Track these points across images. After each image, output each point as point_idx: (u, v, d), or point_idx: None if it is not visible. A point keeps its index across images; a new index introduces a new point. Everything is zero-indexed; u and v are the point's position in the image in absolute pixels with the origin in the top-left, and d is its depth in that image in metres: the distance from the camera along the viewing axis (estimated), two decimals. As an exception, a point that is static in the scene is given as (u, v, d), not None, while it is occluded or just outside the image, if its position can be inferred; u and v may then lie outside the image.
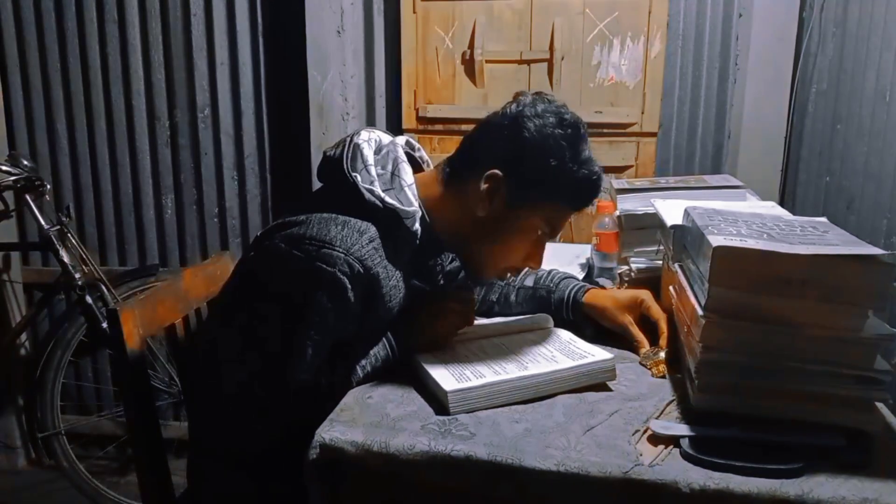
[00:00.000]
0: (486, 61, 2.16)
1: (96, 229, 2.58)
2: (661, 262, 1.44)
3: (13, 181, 2.14)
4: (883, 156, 1.65)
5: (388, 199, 1.07)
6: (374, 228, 1.05)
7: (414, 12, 2.17)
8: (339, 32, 2.27)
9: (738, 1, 2.13)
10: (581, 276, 1.58)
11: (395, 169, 1.11)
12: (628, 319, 1.20)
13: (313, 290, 1.01)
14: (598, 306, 1.24)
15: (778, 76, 2.11)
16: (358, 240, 1.02)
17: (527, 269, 1.21)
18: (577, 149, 1.06)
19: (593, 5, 2.09)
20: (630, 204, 1.58)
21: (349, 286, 1.01)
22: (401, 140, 1.17)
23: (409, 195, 1.08)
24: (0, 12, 2.44)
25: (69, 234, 2.24)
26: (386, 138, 1.17)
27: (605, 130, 2.16)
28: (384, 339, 1.10)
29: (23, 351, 2.56)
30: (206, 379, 1.14)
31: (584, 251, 1.78)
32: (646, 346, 1.15)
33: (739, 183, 1.66)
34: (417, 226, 1.09)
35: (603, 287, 1.36)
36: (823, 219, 1.05)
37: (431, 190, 1.13)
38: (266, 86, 2.41)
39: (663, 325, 1.16)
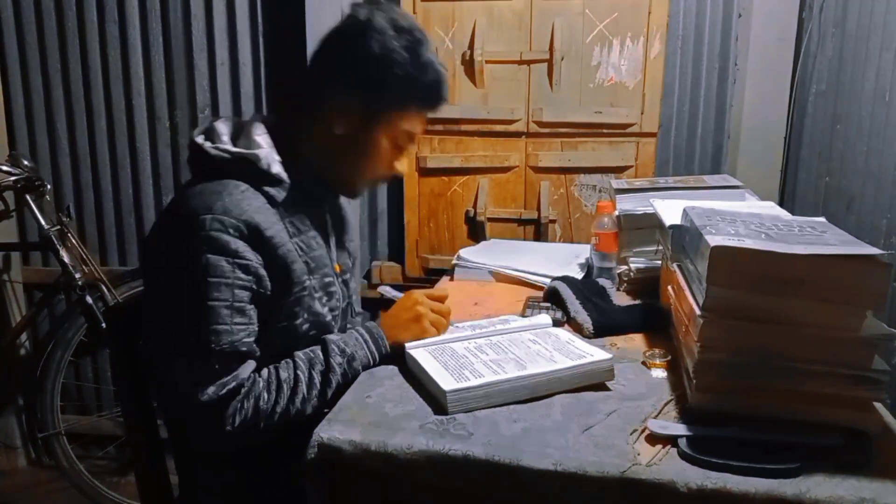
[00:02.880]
0: (486, 61, 2.16)
1: (96, 229, 2.58)
2: (659, 261, 1.45)
3: (13, 181, 2.15)
4: (883, 156, 1.65)
5: (233, 149, 1.11)
6: (230, 181, 1.08)
7: (414, 12, 2.17)
8: (339, 33, 2.27)
9: (738, 1, 2.13)
10: (581, 276, 1.58)
11: (248, 129, 1.15)
12: None
13: (198, 257, 1.02)
14: None
15: (778, 76, 2.11)
16: (218, 198, 1.05)
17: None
18: (418, 54, 1.11)
19: (593, 5, 2.09)
20: (629, 204, 1.58)
21: (227, 238, 1.03)
22: (258, 115, 1.23)
23: (259, 141, 1.12)
24: (0, 12, 2.44)
25: (69, 234, 2.25)
26: (244, 119, 1.22)
27: (605, 130, 2.16)
28: (366, 349, 1.13)
29: (23, 351, 2.56)
30: (162, 387, 1.13)
31: (583, 251, 1.78)
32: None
33: (738, 183, 1.66)
34: (278, 168, 1.12)
35: None
36: (822, 219, 1.05)
37: (289, 131, 1.18)
38: (266, 86, 2.41)
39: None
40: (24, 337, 2.54)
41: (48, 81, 2.48)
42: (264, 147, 1.12)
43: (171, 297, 1.06)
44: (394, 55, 1.10)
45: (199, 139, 1.14)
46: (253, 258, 1.06)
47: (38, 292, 2.58)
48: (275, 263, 1.09)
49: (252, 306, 1.07)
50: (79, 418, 2.58)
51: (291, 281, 1.11)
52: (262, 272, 1.07)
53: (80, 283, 2.19)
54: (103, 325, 2.20)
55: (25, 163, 2.19)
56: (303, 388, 1.06)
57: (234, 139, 1.16)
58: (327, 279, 1.20)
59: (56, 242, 2.19)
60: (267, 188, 1.12)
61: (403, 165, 1.23)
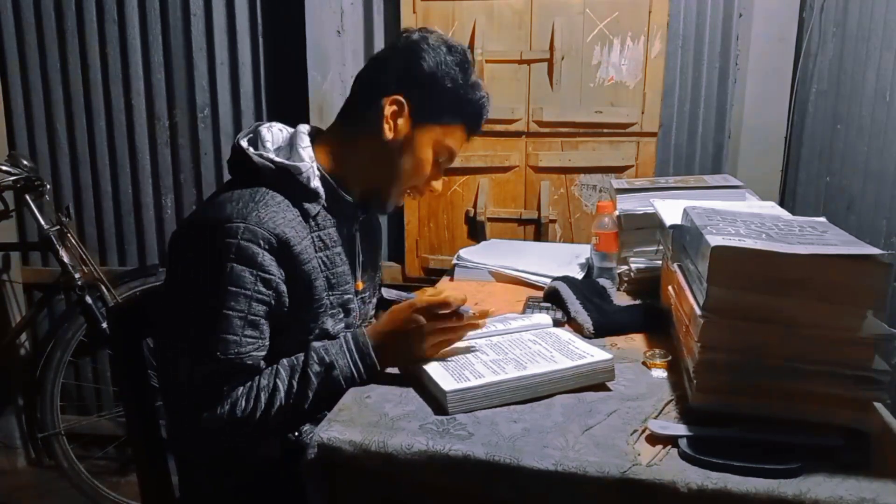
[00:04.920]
0: (486, 61, 2.16)
1: (96, 229, 2.58)
2: (660, 261, 1.44)
3: (13, 181, 2.15)
4: (883, 156, 1.65)
5: (276, 159, 1.12)
6: (268, 191, 1.08)
7: (414, 12, 2.17)
8: (339, 33, 2.27)
9: (738, 1, 2.13)
10: (581, 276, 1.58)
11: (293, 139, 1.16)
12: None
13: (223, 263, 1.02)
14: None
15: (778, 76, 2.11)
16: (254, 207, 1.05)
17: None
18: (467, 73, 1.17)
19: (593, 5, 2.09)
20: (630, 204, 1.58)
21: (256, 251, 1.03)
22: (304, 125, 1.22)
23: (303, 154, 1.13)
24: (0, 12, 2.44)
25: (69, 234, 2.24)
26: (288, 127, 1.23)
27: (605, 130, 2.16)
28: (348, 358, 1.06)
29: (23, 351, 2.56)
30: (162, 377, 1.13)
31: (583, 251, 1.78)
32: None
33: (739, 183, 1.66)
34: (316, 183, 1.13)
35: None
36: (822, 219, 1.05)
37: (333, 144, 1.20)
38: (266, 86, 2.41)
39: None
40: (23, 337, 2.54)
41: (47, 81, 2.48)
42: (306, 160, 1.13)
43: (190, 297, 1.06)
44: (445, 69, 1.15)
45: (244, 143, 1.14)
46: (276, 273, 1.05)
47: (37, 292, 2.59)
48: (298, 279, 1.08)
49: (266, 321, 1.06)
50: (79, 418, 2.58)
51: (311, 298, 1.11)
52: (283, 288, 1.07)
53: (79, 283, 2.19)
54: (103, 325, 2.20)
55: (25, 163, 2.19)
56: (280, 396, 1.03)
57: (278, 147, 1.16)
58: (346, 296, 1.19)
59: (55, 242, 2.19)
60: (303, 202, 1.12)
61: (440, 184, 1.26)
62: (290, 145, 1.15)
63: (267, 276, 1.04)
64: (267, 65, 2.39)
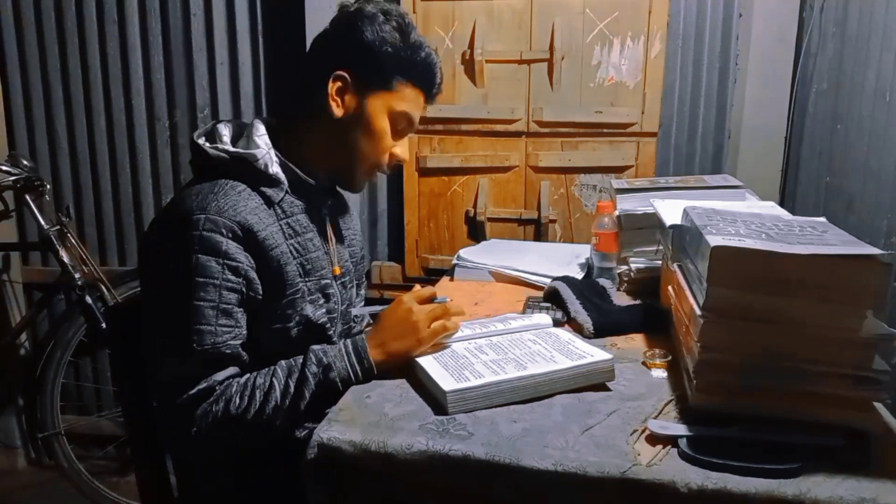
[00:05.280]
0: (486, 61, 2.16)
1: (96, 229, 2.58)
2: (660, 261, 1.44)
3: (13, 181, 2.15)
4: (883, 156, 1.65)
5: (231, 149, 1.12)
6: (227, 182, 1.09)
7: (414, 12, 2.17)
8: (338, 32, 2.27)
9: (738, 1, 2.13)
10: (581, 276, 1.58)
11: (249, 131, 1.17)
12: None
13: (189, 256, 1.02)
14: None
15: (778, 76, 2.11)
16: (213, 198, 1.05)
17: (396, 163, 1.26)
18: (406, 34, 1.16)
19: (593, 5, 2.09)
20: (629, 204, 1.58)
21: (219, 239, 1.03)
22: (260, 117, 1.22)
23: (258, 142, 1.14)
24: (0, 12, 2.44)
25: (69, 234, 2.25)
26: (245, 122, 1.23)
27: (605, 130, 2.16)
28: (346, 360, 1.06)
29: (23, 351, 2.56)
30: (150, 377, 1.13)
31: (583, 251, 1.78)
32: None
33: (739, 183, 1.66)
34: (276, 168, 1.14)
35: None
36: (822, 219, 1.05)
37: (288, 129, 1.20)
38: (266, 86, 2.41)
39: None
40: (23, 337, 2.54)
41: (47, 81, 2.48)
42: (262, 147, 1.13)
43: (160, 295, 1.06)
44: (385, 35, 1.14)
45: (200, 140, 1.15)
46: (244, 260, 1.05)
47: (37, 292, 2.59)
48: (268, 266, 1.09)
49: (240, 309, 1.06)
50: (78, 418, 2.58)
51: (284, 283, 1.11)
52: (253, 275, 1.07)
53: (79, 283, 2.19)
54: (103, 325, 2.20)
55: (25, 163, 2.19)
56: (276, 395, 1.03)
57: (235, 141, 1.17)
58: (324, 281, 1.19)
59: (55, 242, 2.19)
60: (264, 189, 1.12)
61: (404, 151, 1.24)
62: (247, 136, 1.16)
63: (233, 263, 1.04)
64: (267, 65, 2.39)
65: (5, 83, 2.49)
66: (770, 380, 0.89)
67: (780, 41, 2.09)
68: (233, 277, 1.04)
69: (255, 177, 1.12)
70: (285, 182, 1.15)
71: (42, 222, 2.19)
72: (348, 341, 1.09)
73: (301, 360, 1.07)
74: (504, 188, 2.25)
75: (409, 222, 2.33)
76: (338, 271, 1.25)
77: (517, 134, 2.20)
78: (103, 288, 2.27)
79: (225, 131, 1.17)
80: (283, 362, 1.08)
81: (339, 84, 1.15)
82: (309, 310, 1.15)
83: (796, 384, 0.88)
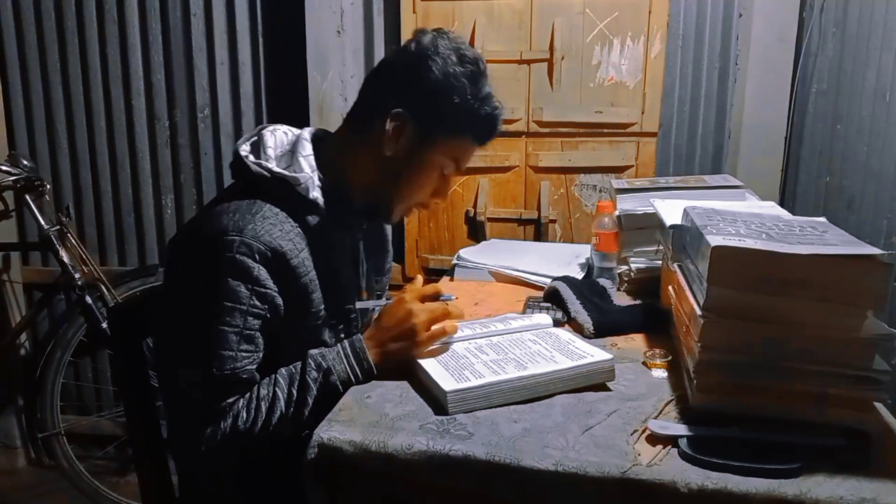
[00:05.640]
0: (486, 61, 2.15)
1: (96, 229, 2.58)
2: (660, 261, 1.44)
3: (13, 181, 2.15)
4: (883, 155, 1.65)
5: (274, 169, 1.09)
6: (265, 204, 1.07)
7: (414, 12, 2.17)
8: (339, 32, 2.27)
9: (738, 1, 2.13)
10: (581, 276, 1.58)
11: (295, 146, 1.13)
12: None
13: (219, 278, 1.01)
14: None
15: (778, 76, 2.11)
16: (251, 220, 1.03)
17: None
18: (478, 85, 1.12)
19: (593, 5, 2.09)
20: (630, 204, 1.58)
21: (252, 265, 1.02)
22: (308, 129, 1.19)
23: (304, 164, 1.11)
24: (0, 12, 2.44)
25: (69, 234, 2.25)
26: (294, 130, 1.20)
27: (605, 130, 2.16)
28: (345, 363, 1.05)
29: (23, 351, 2.56)
30: (162, 382, 1.13)
31: (583, 251, 1.78)
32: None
33: (739, 183, 1.66)
34: (316, 193, 1.11)
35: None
36: (822, 219, 1.05)
37: (337, 151, 1.16)
38: (266, 86, 2.41)
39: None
40: (23, 337, 2.54)
41: (47, 81, 2.48)
42: (306, 171, 1.11)
43: (185, 311, 1.05)
44: (455, 82, 1.09)
45: (244, 150, 1.13)
46: (272, 287, 1.04)
47: (37, 292, 2.59)
48: (294, 291, 1.08)
49: (260, 334, 1.05)
50: (79, 418, 2.58)
51: (308, 311, 1.11)
52: (279, 301, 1.06)
53: (79, 283, 2.19)
54: (103, 325, 2.20)
55: (25, 163, 2.19)
56: (281, 405, 1.03)
57: (281, 154, 1.14)
58: (347, 306, 1.18)
59: (55, 242, 2.19)
60: (301, 213, 1.10)
61: (446, 191, 1.22)
62: (292, 152, 1.13)
63: (262, 290, 1.03)
64: (267, 65, 2.39)
65: (5, 83, 2.49)
66: (770, 380, 0.89)
67: (780, 41, 2.09)
68: (259, 304, 1.03)
69: (295, 200, 1.10)
70: (323, 206, 1.12)
71: (42, 222, 2.19)
72: (346, 343, 1.09)
73: (300, 367, 1.06)
74: (504, 188, 2.25)
75: (409, 222, 2.33)
76: (365, 295, 1.24)
77: (517, 134, 2.20)
78: (103, 288, 2.27)
79: (270, 142, 1.14)
80: (283, 371, 1.07)
81: (397, 123, 1.11)
82: (326, 335, 1.15)
83: (796, 384, 0.88)
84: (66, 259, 2.19)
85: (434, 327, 1.09)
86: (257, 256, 1.02)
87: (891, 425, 0.91)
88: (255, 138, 1.16)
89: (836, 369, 0.86)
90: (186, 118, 2.46)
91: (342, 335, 1.17)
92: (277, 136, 1.16)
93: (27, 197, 2.19)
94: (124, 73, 2.44)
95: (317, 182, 1.12)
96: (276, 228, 1.05)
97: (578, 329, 1.26)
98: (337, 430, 0.90)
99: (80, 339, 2.33)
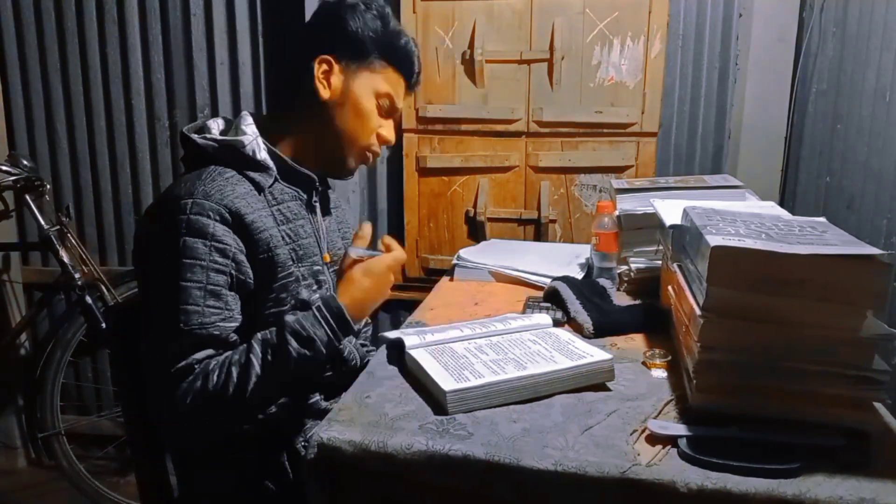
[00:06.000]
0: (486, 61, 2.16)
1: (96, 229, 2.58)
2: (660, 261, 1.44)
3: (13, 181, 2.15)
4: (883, 155, 1.65)
5: (219, 137, 1.15)
6: (216, 168, 1.12)
7: (414, 12, 2.17)
8: (338, 32, 2.27)
9: (738, 1, 2.13)
10: (581, 276, 1.58)
11: (237, 122, 1.20)
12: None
13: (176, 239, 1.04)
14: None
15: (778, 76, 2.11)
16: (201, 183, 1.08)
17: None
18: (387, 22, 1.21)
19: (593, 5, 2.09)
20: (629, 204, 1.58)
21: (206, 222, 1.05)
22: (247, 110, 1.24)
23: (245, 130, 1.17)
24: (0, 12, 2.44)
25: (69, 234, 2.25)
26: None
27: (605, 130, 2.16)
28: (325, 327, 1.09)
29: (23, 351, 2.56)
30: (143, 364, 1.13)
31: (583, 251, 1.78)
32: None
33: (739, 183, 1.66)
34: (263, 155, 1.16)
35: None
36: (822, 219, 1.05)
37: (277, 119, 1.23)
38: (266, 85, 2.41)
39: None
40: (23, 337, 2.54)
41: (47, 81, 2.48)
42: (249, 135, 1.16)
43: (151, 279, 1.09)
44: (367, 21, 1.19)
45: (188, 131, 1.18)
46: (231, 243, 1.07)
47: (37, 292, 2.59)
48: (257, 249, 1.10)
49: (232, 293, 1.07)
50: (79, 418, 2.58)
51: (275, 266, 1.12)
52: (242, 258, 1.08)
53: (79, 283, 2.19)
54: (103, 325, 2.20)
55: (25, 163, 2.19)
56: (255, 370, 1.03)
57: (224, 133, 1.19)
58: (316, 267, 1.21)
59: (55, 242, 2.19)
60: (252, 174, 1.14)
61: (390, 132, 1.27)
62: (235, 127, 1.19)
63: (221, 245, 1.05)
64: (267, 65, 2.39)
65: (5, 83, 2.49)
66: (770, 380, 0.89)
67: (780, 41, 2.09)
68: (220, 259, 1.05)
69: (243, 162, 1.15)
70: (273, 168, 1.17)
71: (42, 222, 2.19)
72: (322, 306, 1.10)
73: (276, 332, 1.07)
74: (504, 188, 2.25)
75: (409, 222, 2.33)
76: (328, 258, 1.27)
77: (517, 134, 2.20)
78: (103, 288, 2.27)
79: (213, 125, 1.21)
80: (258, 335, 1.07)
81: (324, 67, 1.18)
82: (304, 294, 1.16)
83: (796, 384, 0.88)
84: (66, 259, 2.19)
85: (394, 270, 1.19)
86: (211, 214, 1.05)
87: (891, 425, 0.91)
88: (200, 126, 1.21)
89: (836, 369, 0.86)
90: (186, 118, 2.46)
91: (317, 295, 1.18)
92: (219, 122, 1.23)
93: (27, 197, 2.19)
94: (124, 73, 2.44)
95: (262, 145, 1.17)
96: (228, 188, 1.09)
97: (578, 329, 1.26)
98: (337, 430, 0.90)
99: (80, 339, 2.33)
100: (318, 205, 1.28)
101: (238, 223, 1.08)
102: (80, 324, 2.29)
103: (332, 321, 1.09)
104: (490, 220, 2.27)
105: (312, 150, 1.23)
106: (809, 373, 0.87)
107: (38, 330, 2.61)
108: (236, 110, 2.42)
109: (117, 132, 2.49)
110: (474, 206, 2.26)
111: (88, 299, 2.20)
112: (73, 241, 2.26)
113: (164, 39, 2.41)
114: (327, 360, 1.12)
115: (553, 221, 2.24)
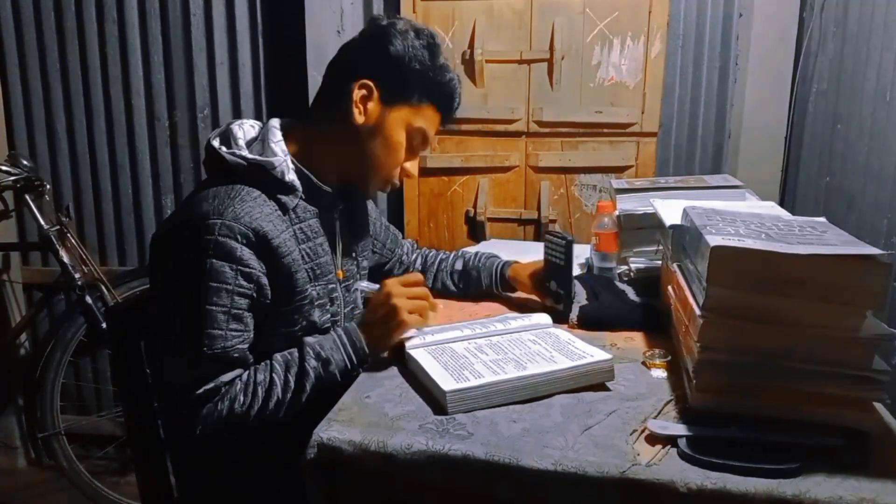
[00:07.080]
0: (486, 61, 2.16)
1: (96, 229, 2.58)
2: (659, 262, 1.44)
3: (13, 181, 2.15)
4: (883, 156, 1.65)
5: (249, 156, 1.12)
6: (244, 187, 1.09)
7: (414, 12, 2.17)
8: (339, 32, 2.27)
9: (738, 1, 2.13)
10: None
11: (265, 134, 1.17)
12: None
13: (203, 260, 1.03)
14: (519, 279, 1.43)
15: (778, 76, 2.11)
16: (230, 203, 1.06)
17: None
18: (434, 55, 1.18)
19: (593, 5, 2.09)
20: (629, 204, 1.58)
21: (234, 245, 1.03)
22: (276, 119, 1.22)
23: (275, 149, 1.14)
24: (0, 12, 2.44)
25: (69, 234, 2.25)
26: (259, 123, 1.24)
27: (605, 130, 2.16)
28: (342, 352, 1.09)
29: (23, 351, 2.56)
30: (156, 379, 1.15)
31: (583, 251, 1.78)
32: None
33: (739, 183, 1.66)
34: (292, 176, 1.14)
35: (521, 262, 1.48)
36: (822, 219, 1.05)
37: (306, 136, 1.20)
38: (266, 86, 2.41)
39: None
40: (23, 337, 2.54)
41: (47, 81, 2.48)
42: (279, 154, 1.14)
43: (173, 297, 1.07)
44: (413, 52, 1.15)
45: (216, 143, 1.15)
46: (256, 266, 1.06)
47: (37, 292, 2.59)
48: (279, 272, 1.09)
49: (250, 314, 1.07)
50: (78, 418, 2.58)
51: (293, 290, 1.12)
52: (264, 281, 1.08)
53: (79, 283, 2.19)
54: (103, 325, 2.20)
55: (25, 163, 2.19)
56: (278, 391, 1.05)
57: (249, 143, 1.17)
58: (331, 286, 1.20)
59: (55, 242, 2.19)
60: (279, 196, 1.13)
61: (414, 168, 1.25)
62: (262, 140, 1.16)
63: (247, 269, 1.05)
64: (267, 65, 2.39)
65: (5, 83, 2.49)
66: (770, 380, 0.89)
67: (780, 41, 2.09)
68: (245, 283, 1.05)
69: (272, 183, 1.12)
70: (300, 189, 1.15)
71: (42, 222, 2.19)
72: (341, 331, 1.12)
73: (297, 353, 1.09)
74: (504, 188, 2.25)
75: (409, 222, 2.33)
76: (341, 275, 1.26)
77: (517, 134, 2.20)
78: (103, 288, 2.27)
79: (239, 134, 1.17)
80: (278, 356, 1.09)
81: (363, 92, 1.15)
82: (315, 315, 1.16)
83: (796, 384, 0.88)
84: (66, 259, 2.19)
85: (415, 303, 1.14)
86: (239, 237, 1.04)
87: (891, 425, 0.91)
88: (225, 132, 1.18)
89: (835, 369, 0.86)
90: (186, 118, 2.46)
91: (328, 315, 1.20)
92: (245, 128, 1.19)
93: (27, 197, 2.19)
94: (124, 73, 2.44)
95: (290, 165, 1.15)
96: (256, 210, 1.07)
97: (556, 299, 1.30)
98: (336, 430, 0.90)
99: (80, 339, 2.33)
100: (339, 222, 1.26)
101: (263, 245, 1.07)
102: (80, 324, 2.29)
103: (348, 346, 1.10)
104: (490, 220, 2.27)
105: (335, 166, 1.20)
106: (809, 373, 0.87)
107: (38, 330, 2.61)
108: (236, 110, 2.42)
109: (117, 132, 2.49)
110: (474, 206, 2.26)
111: (88, 299, 2.20)
112: (73, 241, 2.26)
113: (164, 39, 2.41)
114: (341, 386, 1.10)
115: (553, 221, 2.24)
